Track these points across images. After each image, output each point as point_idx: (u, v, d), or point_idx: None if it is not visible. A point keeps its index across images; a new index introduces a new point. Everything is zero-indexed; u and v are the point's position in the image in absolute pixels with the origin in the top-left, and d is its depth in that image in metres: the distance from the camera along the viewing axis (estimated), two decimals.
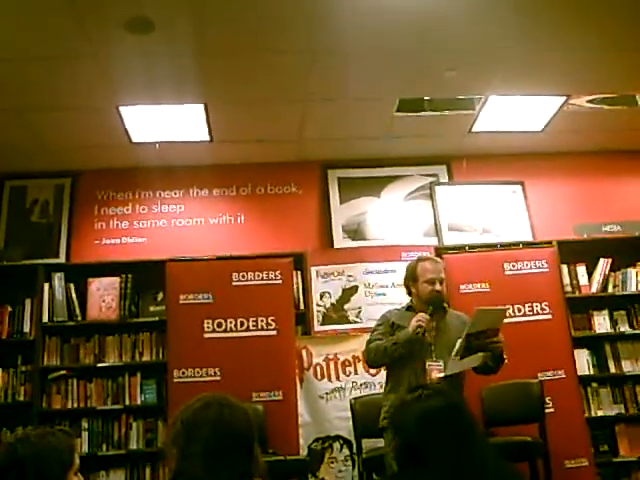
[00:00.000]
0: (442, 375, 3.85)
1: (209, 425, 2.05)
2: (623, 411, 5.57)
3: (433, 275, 4.09)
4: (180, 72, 4.61)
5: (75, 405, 5.36)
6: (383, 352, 4.03)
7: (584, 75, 4.99)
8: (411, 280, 4.18)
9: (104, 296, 5.60)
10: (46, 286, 5.53)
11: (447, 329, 4.02)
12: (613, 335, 5.73)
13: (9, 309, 5.53)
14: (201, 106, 5.17)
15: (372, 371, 5.23)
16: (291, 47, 4.42)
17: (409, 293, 4.23)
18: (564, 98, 5.37)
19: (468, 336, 3.73)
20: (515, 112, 5.61)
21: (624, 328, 5.77)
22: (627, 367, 5.67)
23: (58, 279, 5.58)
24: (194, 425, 2.06)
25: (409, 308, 4.17)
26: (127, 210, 6.11)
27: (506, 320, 5.25)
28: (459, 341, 3.75)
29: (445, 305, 4.24)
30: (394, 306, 4.39)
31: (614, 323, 5.79)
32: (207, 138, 5.67)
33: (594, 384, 5.62)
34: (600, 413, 5.54)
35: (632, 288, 5.83)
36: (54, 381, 5.38)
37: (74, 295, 5.57)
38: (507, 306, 4.22)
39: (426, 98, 5.43)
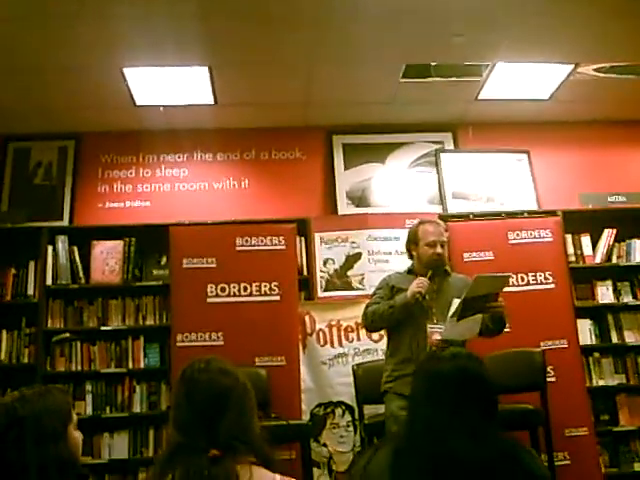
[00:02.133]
0: (439, 339, 3.85)
1: (175, 397, 2.15)
2: (624, 381, 5.59)
3: (434, 237, 4.09)
4: (184, 34, 4.57)
5: (79, 368, 5.37)
6: (380, 316, 4.05)
7: (592, 43, 4.94)
8: (412, 243, 4.18)
9: (107, 259, 5.60)
10: (50, 249, 5.52)
11: (449, 291, 4.00)
12: (616, 305, 5.74)
13: (13, 271, 5.53)
14: (205, 69, 5.13)
15: (374, 337, 5.25)
16: (297, 9, 4.37)
17: (410, 257, 4.23)
18: (572, 66, 5.33)
19: (466, 300, 3.73)
20: (522, 80, 5.56)
21: (627, 299, 5.78)
22: (629, 338, 5.68)
23: (62, 242, 5.56)
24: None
25: (410, 271, 4.17)
26: (131, 173, 6.09)
27: (509, 289, 5.28)
28: (455, 301, 3.76)
29: (447, 268, 4.24)
30: (400, 270, 4.38)
31: (617, 294, 5.79)
32: (211, 101, 5.63)
33: (596, 354, 5.63)
34: (601, 383, 5.57)
35: (636, 259, 5.82)
36: (58, 344, 5.39)
37: (77, 258, 5.56)
38: (509, 273, 4.20)
39: (433, 64, 5.37)
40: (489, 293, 3.84)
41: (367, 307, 4.19)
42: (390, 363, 4.10)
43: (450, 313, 3.78)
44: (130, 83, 5.25)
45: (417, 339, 3.94)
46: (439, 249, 4.07)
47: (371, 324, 4.20)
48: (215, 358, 2.22)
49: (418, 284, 3.92)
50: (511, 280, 5.36)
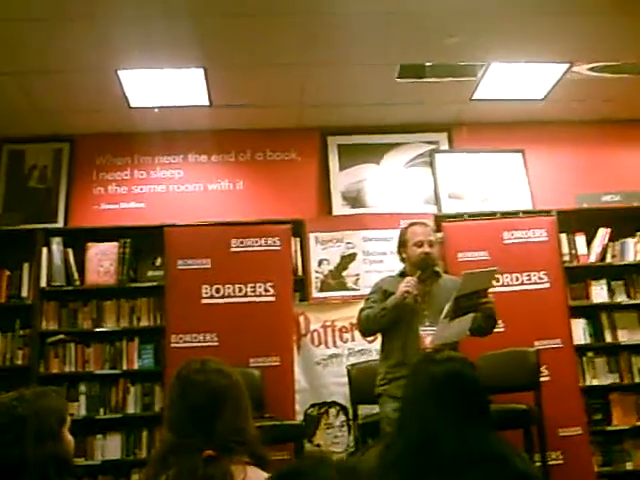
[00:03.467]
0: (433, 344, 3.85)
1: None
2: (618, 380, 5.60)
3: (422, 237, 4.12)
4: (179, 36, 4.57)
5: (73, 369, 5.38)
6: (373, 319, 4.07)
7: (587, 42, 4.95)
8: (402, 246, 4.22)
9: (102, 261, 5.60)
10: (44, 251, 5.52)
11: (440, 293, 4.01)
12: (610, 305, 5.75)
13: (7, 273, 5.54)
14: (201, 70, 5.13)
15: (369, 338, 5.24)
16: (292, 11, 4.38)
17: (402, 260, 4.25)
18: (566, 66, 5.33)
19: (457, 299, 3.73)
20: (517, 80, 5.57)
21: (621, 298, 5.79)
22: (623, 337, 5.69)
23: (56, 244, 5.57)
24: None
25: (402, 274, 4.17)
26: (126, 175, 6.09)
27: (504, 288, 5.34)
28: (448, 305, 3.76)
29: (438, 269, 4.25)
30: (393, 273, 4.39)
31: (611, 293, 5.80)
32: (206, 103, 5.63)
33: (590, 353, 5.64)
34: (595, 382, 5.58)
35: (630, 258, 5.83)
36: (52, 345, 5.40)
37: (72, 260, 5.57)
38: (495, 267, 4.23)
39: (427, 64, 5.38)
40: (479, 289, 3.84)
41: (361, 312, 4.21)
42: (384, 366, 4.11)
43: (442, 315, 3.78)
44: (124, 85, 5.25)
45: (410, 342, 3.95)
46: (427, 248, 4.09)
47: (366, 328, 4.24)
48: (211, 359, 2.24)
49: (406, 284, 3.93)
50: (506, 280, 5.40)
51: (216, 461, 1.97)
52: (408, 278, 3.98)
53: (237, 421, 2.10)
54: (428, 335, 3.91)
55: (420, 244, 4.10)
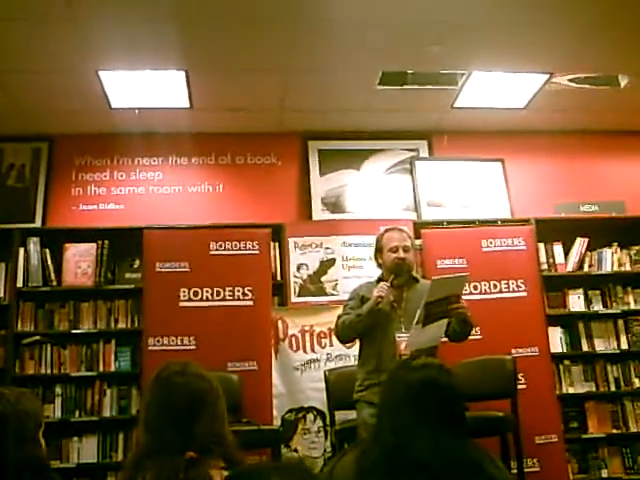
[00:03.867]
0: (411, 349, 3.86)
1: (151, 399, 2.17)
2: (593, 389, 5.64)
3: (397, 243, 4.14)
4: (161, 38, 4.54)
5: (49, 371, 5.32)
6: (349, 326, 4.09)
7: (567, 53, 4.99)
8: (378, 251, 4.24)
9: (80, 262, 5.56)
10: (21, 251, 5.47)
11: (416, 299, 3.97)
12: (587, 314, 5.79)
13: None
14: (182, 73, 5.11)
15: (348, 344, 5.24)
16: (275, 16, 4.38)
17: (379, 265, 4.26)
18: (547, 76, 5.37)
19: (427, 305, 3.73)
20: (498, 89, 5.60)
21: (598, 307, 5.83)
22: (599, 346, 5.74)
23: (34, 244, 5.51)
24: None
25: (379, 280, 4.18)
26: (105, 176, 6.05)
27: (482, 296, 5.38)
28: (419, 311, 3.75)
29: (416, 275, 4.28)
30: (371, 279, 4.39)
31: (588, 302, 5.85)
32: (187, 105, 5.61)
33: (566, 362, 5.68)
34: (571, 390, 5.61)
35: (607, 268, 5.88)
36: (28, 346, 5.34)
37: (49, 260, 5.52)
38: (466, 273, 4.25)
39: (409, 72, 5.40)
40: (449, 295, 3.84)
41: (339, 318, 4.22)
42: (361, 372, 4.12)
43: (414, 321, 3.79)
44: (105, 85, 5.21)
45: (385, 348, 3.96)
46: (402, 253, 4.10)
47: (342, 335, 4.24)
48: (191, 362, 2.23)
49: (378, 289, 3.95)
50: (484, 287, 5.44)
51: (197, 463, 1.97)
52: (382, 283, 4.00)
53: (216, 425, 2.10)
54: (403, 341, 3.92)
55: (395, 250, 4.11)
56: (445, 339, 4.05)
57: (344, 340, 4.45)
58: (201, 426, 2.07)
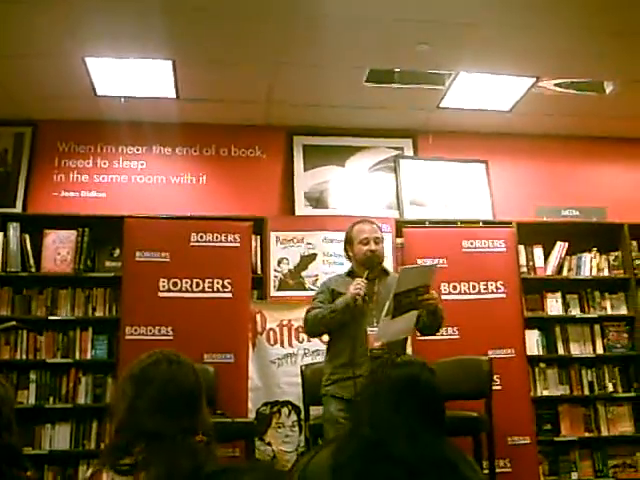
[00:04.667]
0: (380, 343, 3.84)
1: (158, 381, 2.13)
2: (568, 392, 5.69)
3: (367, 235, 4.10)
4: (149, 27, 4.52)
5: (24, 357, 5.29)
6: (320, 321, 4.02)
7: (554, 58, 5.01)
8: (348, 244, 4.20)
9: (60, 249, 5.53)
10: (0, 235, 5.44)
11: (388, 292, 3.88)
12: (564, 318, 5.84)
13: None
14: (169, 62, 5.09)
15: (325, 338, 5.24)
16: (263, 8, 4.36)
17: (348, 258, 4.23)
18: (533, 80, 5.39)
19: (396, 296, 3.69)
20: (484, 91, 5.61)
21: (575, 311, 5.88)
22: (575, 350, 5.78)
23: (13, 229, 5.48)
24: (143, 380, 2.14)
25: (349, 274, 4.16)
26: (88, 163, 6.01)
27: (461, 296, 5.41)
28: (387, 302, 3.71)
29: (385, 268, 4.25)
30: (341, 273, 4.37)
31: (566, 306, 5.89)
32: (173, 95, 5.59)
33: (542, 364, 5.72)
34: (545, 393, 5.66)
35: (586, 273, 5.93)
36: (3, 332, 5.30)
37: (29, 246, 5.48)
38: (435, 263, 4.24)
39: (396, 70, 5.41)
40: (419, 286, 3.79)
41: (308, 312, 4.14)
42: (329, 367, 4.09)
43: (383, 313, 3.72)
44: (92, 72, 5.18)
45: (358, 342, 3.92)
46: (373, 245, 4.07)
47: (312, 329, 4.20)
48: (169, 352, 2.25)
49: (355, 286, 3.89)
50: (463, 288, 5.45)
51: (210, 447, 2.01)
52: (357, 280, 3.93)
53: (207, 414, 2.13)
54: (374, 334, 3.90)
55: (366, 242, 4.08)
56: (418, 333, 4.04)
57: (313, 334, 4.44)
58: (204, 413, 2.10)
